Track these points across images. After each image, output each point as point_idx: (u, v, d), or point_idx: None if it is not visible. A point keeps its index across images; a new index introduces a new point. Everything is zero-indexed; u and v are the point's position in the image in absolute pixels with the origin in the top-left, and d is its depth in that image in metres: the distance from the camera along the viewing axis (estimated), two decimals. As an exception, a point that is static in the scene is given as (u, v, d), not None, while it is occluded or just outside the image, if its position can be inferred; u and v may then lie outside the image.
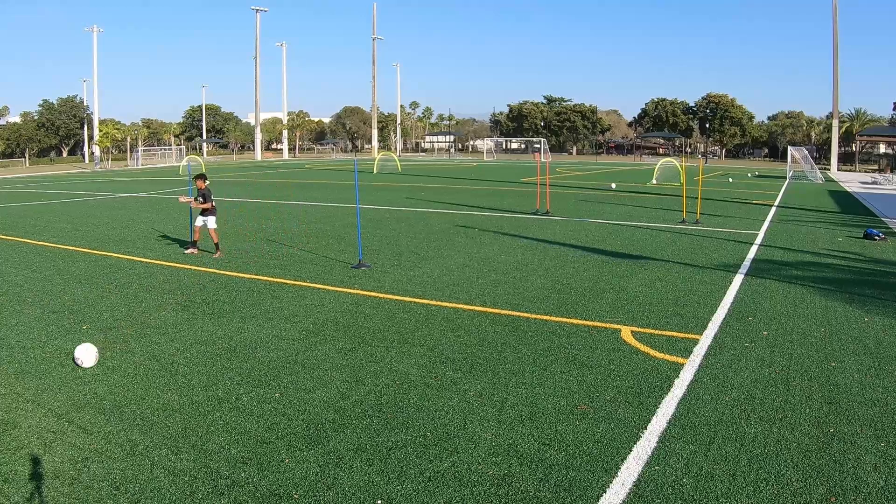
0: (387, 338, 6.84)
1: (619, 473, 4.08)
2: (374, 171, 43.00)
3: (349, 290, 8.97)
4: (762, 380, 5.62)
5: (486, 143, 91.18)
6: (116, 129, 78.92)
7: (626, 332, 6.98)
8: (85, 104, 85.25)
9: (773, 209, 20.56)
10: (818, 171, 41.93)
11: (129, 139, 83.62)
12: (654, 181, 33.35)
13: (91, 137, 75.32)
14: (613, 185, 30.54)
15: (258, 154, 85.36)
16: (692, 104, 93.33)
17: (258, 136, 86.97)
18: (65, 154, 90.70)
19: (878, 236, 13.91)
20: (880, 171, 51.37)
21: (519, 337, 6.85)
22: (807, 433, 4.61)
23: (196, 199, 11.68)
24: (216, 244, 11.69)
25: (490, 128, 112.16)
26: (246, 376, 5.76)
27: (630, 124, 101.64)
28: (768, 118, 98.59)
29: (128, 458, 4.30)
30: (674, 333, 6.94)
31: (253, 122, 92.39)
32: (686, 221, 16.60)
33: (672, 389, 5.41)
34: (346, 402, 5.20)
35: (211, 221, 11.72)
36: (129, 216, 18.64)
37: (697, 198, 19.27)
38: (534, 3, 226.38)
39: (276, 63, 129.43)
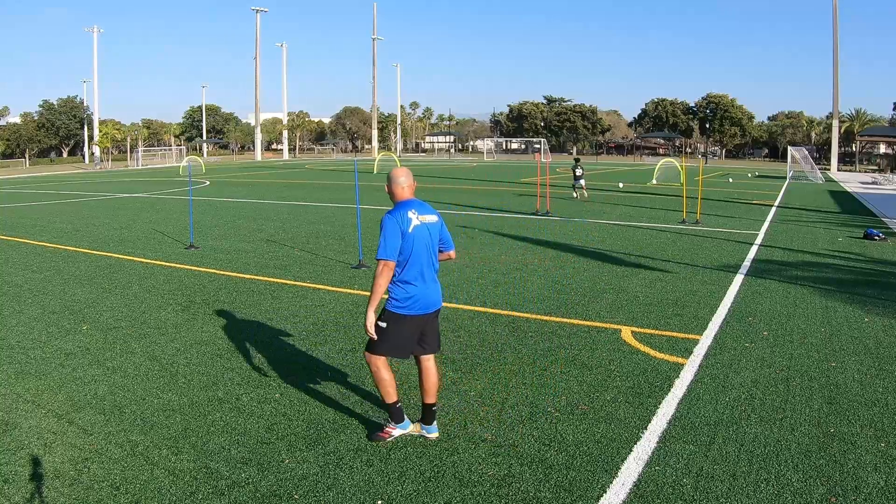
0: (387, 338, 6.83)
1: (619, 474, 4.07)
2: (374, 172, 42.99)
3: (349, 291, 8.97)
4: (762, 380, 5.62)
5: (486, 144, 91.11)
6: (116, 129, 78.92)
7: (627, 333, 6.98)
8: (85, 104, 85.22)
9: (774, 209, 20.56)
10: (818, 172, 41.94)
11: (129, 139, 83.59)
12: (654, 181, 33.36)
13: (91, 138, 75.31)
14: (621, 185, 30.54)
15: (258, 154, 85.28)
16: (692, 104, 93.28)
17: (258, 137, 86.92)
18: (65, 154, 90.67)
19: (878, 236, 13.91)
20: (880, 171, 51.39)
21: (519, 337, 6.85)
22: (807, 433, 4.61)
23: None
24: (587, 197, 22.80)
25: (490, 128, 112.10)
26: (246, 376, 5.76)
27: (630, 124, 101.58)
28: (768, 118, 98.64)
29: (128, 458, 4.30)
30: (674, 333, 6.94)
31: (253, 123, 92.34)
32: (686, 221, 16.60)
33: (672, 389, 5.41)
34: (346, 402, 5.20)
35: (581, 183, 23.16)
36: (129, 216, 18.65)
37: (697, 198, 19.28)
38: (534, 3, 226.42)
39: (277, 63, 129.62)
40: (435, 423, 4.55)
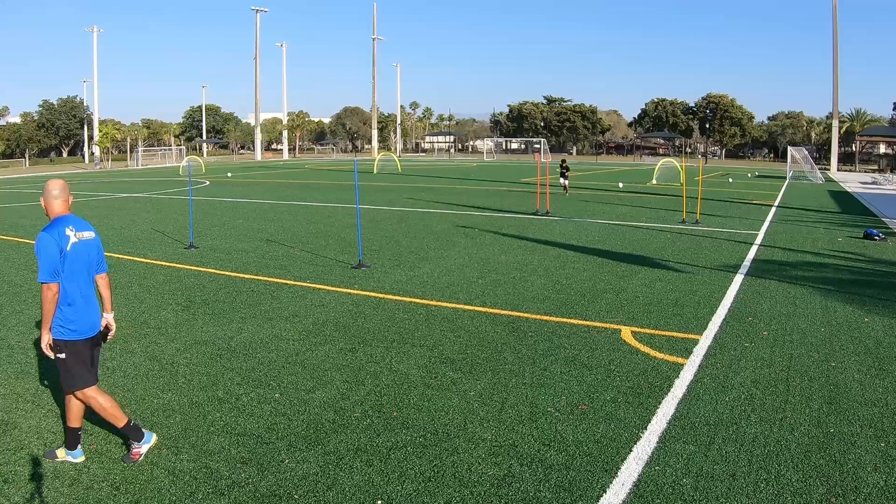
0: (387, 338, 6.84)
1: (619, 474, 4.08)
2: (374, 172, 43.00)
3: (349, 291, 8.98)
4: (762, 380, 5.62)
5: (486, 144, 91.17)
6: (116, 129, 78.83)
7: (626, 333, 6.98)
8: (85, 104, 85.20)
9: (773, 209, 20.57)
10: (818, 172, 41.96)
11: (129, 139, 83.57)
12: (654, 181, 33.37)
13: (91, 138, 75.26)
14: (621, 185, 30.64)
15: (258, 154, 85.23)
16: (692, 104, 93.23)
17: (258, 137, 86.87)
18: (65, 154, 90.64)
19: (878, 236, 13.91)
20: (880, 171, 51.42)
21: (519, 337, 6.85)
22: (807, 433, 4.61)
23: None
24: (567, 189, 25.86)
25: (490, 128, 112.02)
26: (246, 376, 5.76)
27: (630, 124, 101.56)
28: (768, 118, 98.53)
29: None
30: (674, 333, 6.94)
31: (253, 123, 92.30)
32: (686, 221, 16.61)
33: (672, 389, 5.41)
34: (346, 402, 5.20)
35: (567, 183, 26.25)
36: (129, 216, 18.64)
37: (697, 198, 19.28)
38: (534, 3, 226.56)
39: (276, 63, 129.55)
40: (80, 446, 4.30)
